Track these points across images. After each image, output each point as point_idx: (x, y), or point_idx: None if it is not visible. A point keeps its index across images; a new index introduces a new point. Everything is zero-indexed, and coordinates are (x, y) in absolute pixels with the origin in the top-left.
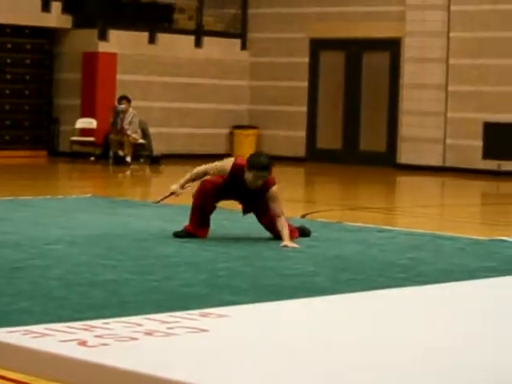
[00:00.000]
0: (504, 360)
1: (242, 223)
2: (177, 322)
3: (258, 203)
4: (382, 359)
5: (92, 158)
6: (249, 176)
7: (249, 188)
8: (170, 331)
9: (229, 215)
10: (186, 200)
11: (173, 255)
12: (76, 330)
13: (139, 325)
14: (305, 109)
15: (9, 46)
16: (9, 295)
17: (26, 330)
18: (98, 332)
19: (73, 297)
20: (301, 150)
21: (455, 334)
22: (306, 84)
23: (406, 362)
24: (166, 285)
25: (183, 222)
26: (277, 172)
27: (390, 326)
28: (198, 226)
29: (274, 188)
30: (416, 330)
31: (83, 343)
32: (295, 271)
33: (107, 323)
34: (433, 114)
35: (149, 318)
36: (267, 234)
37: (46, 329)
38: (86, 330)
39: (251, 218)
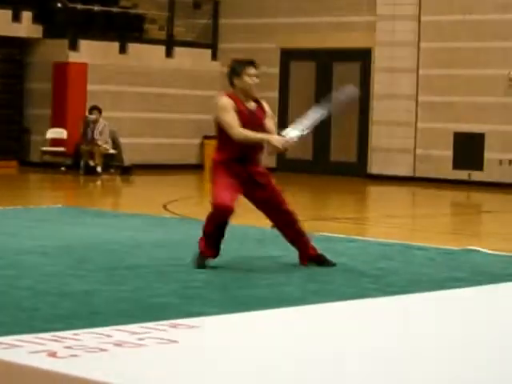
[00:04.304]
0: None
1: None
2: (147, 332)
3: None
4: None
5: (63, 168)
6: (245, 81)
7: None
8: (140, 342)
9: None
10: (154, 210)
11: (143, 265)
12: (45, 341)
13: (109, 336)
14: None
15: None
16: None
17: None
18: (67, 343)
19: (42, 307)
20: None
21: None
22: (276, 94)
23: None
24: (137, 295)
25: (154, 231)
26: None
27: (356, 340)
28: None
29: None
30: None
31: (53, 354)
32: (266, 281)
33: (77, 334)
34: (403, 124)
35: (119, 329)
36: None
37: (15, 340)
38: (55, 341)
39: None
